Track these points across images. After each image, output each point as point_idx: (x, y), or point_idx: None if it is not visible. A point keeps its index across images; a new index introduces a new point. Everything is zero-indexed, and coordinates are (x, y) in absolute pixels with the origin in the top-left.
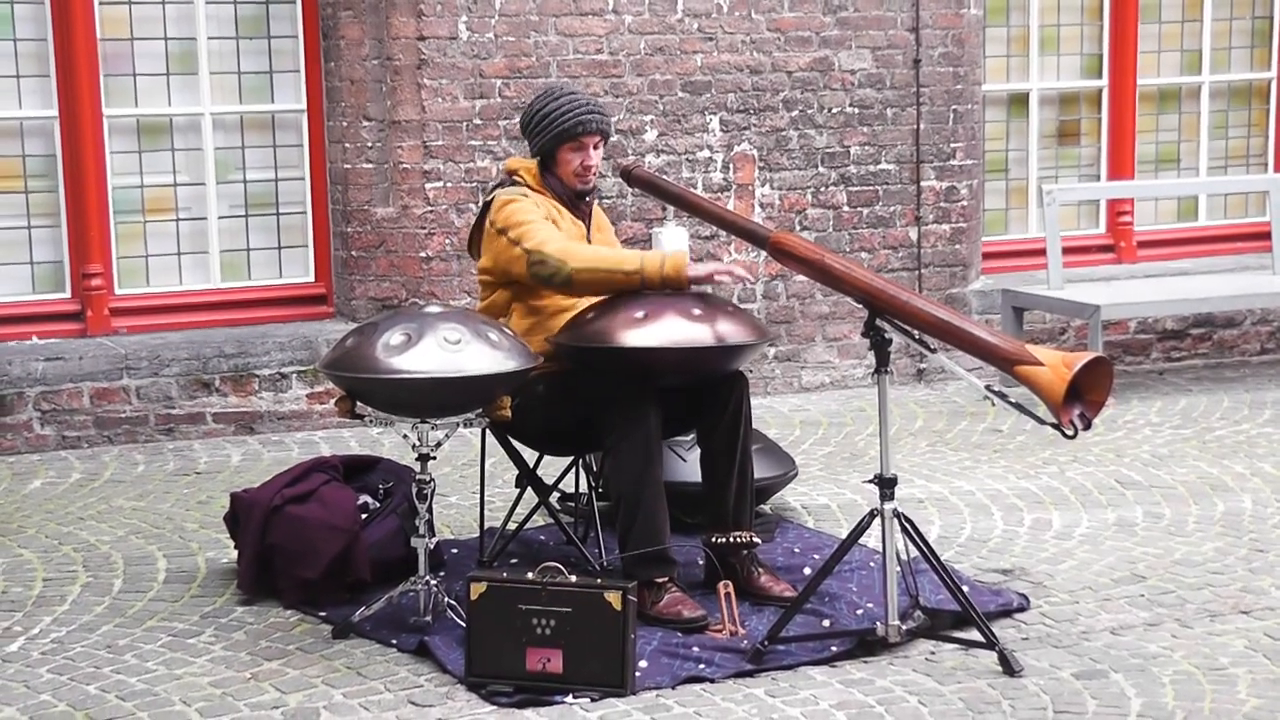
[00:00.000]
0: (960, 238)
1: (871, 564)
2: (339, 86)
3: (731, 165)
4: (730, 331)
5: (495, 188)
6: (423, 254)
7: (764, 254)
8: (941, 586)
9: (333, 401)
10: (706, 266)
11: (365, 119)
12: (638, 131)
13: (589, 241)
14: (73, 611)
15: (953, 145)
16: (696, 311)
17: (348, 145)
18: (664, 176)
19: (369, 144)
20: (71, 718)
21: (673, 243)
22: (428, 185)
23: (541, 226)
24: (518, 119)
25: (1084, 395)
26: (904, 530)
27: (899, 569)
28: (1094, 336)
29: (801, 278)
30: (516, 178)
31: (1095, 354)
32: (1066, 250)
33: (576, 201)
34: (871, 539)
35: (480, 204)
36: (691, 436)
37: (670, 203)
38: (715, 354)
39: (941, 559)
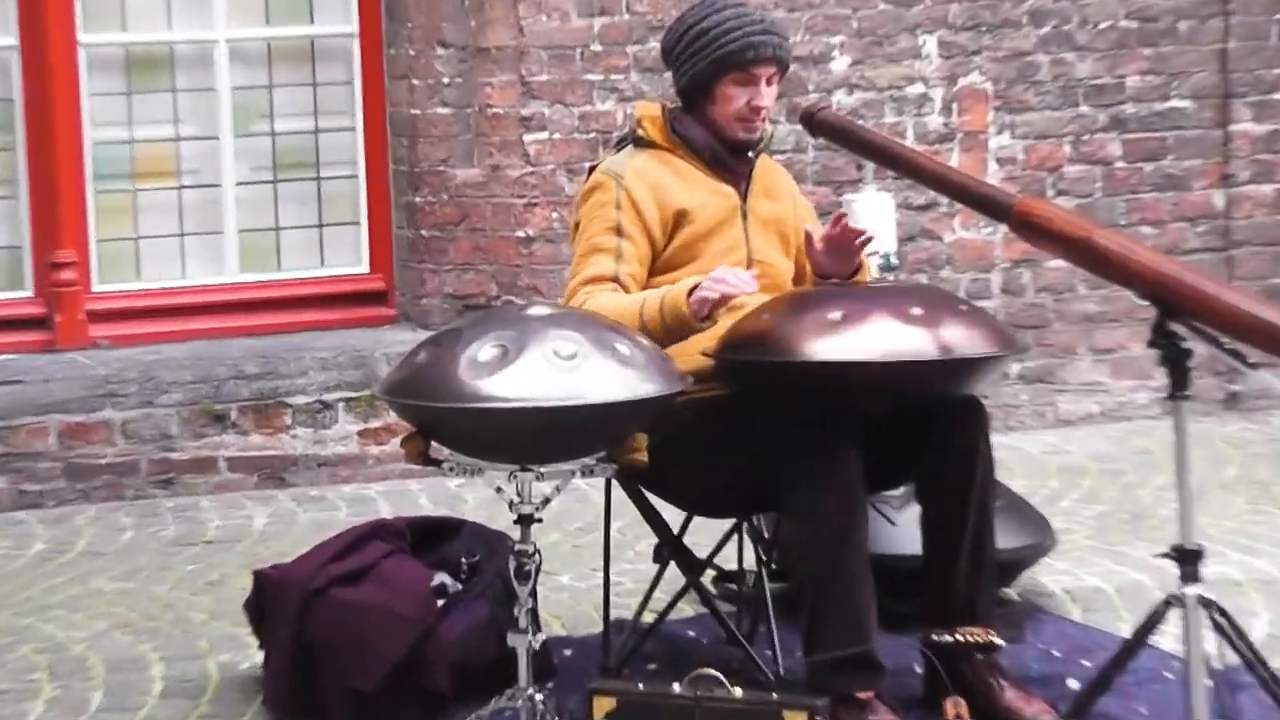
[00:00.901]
0: None
1: (1168, 675)
2: (404, 1)
3: (955, 105)
4: (961, 340)
5: (620, 143)
6: (521, 233)
7: (1002, 230)
8: (1276, 709)
9: (396, 441)
10: (707, 287)
11: (440, 45)
12: (822, 59)
13: (745, 214)
14: None
15: (1276, 71)
16: (915, 311)
17: (416, 82)
18: (859, 121)
19: (445, 80)
20: None
21: (872, 215)
22: (527, 137)
23: (588, 263)
24: (653, 44)
25: None
26: (1216, 626)
27: (1209, 682)
28: None
29: (1056, 264)
30: (640, 131)
31: None
32: None
33: (733, 158)
34: (1168, 638)
35: (587, 171)
36: (905, 490)
37: (868, 158)
38: (941, 371)
39: (1272, 669)
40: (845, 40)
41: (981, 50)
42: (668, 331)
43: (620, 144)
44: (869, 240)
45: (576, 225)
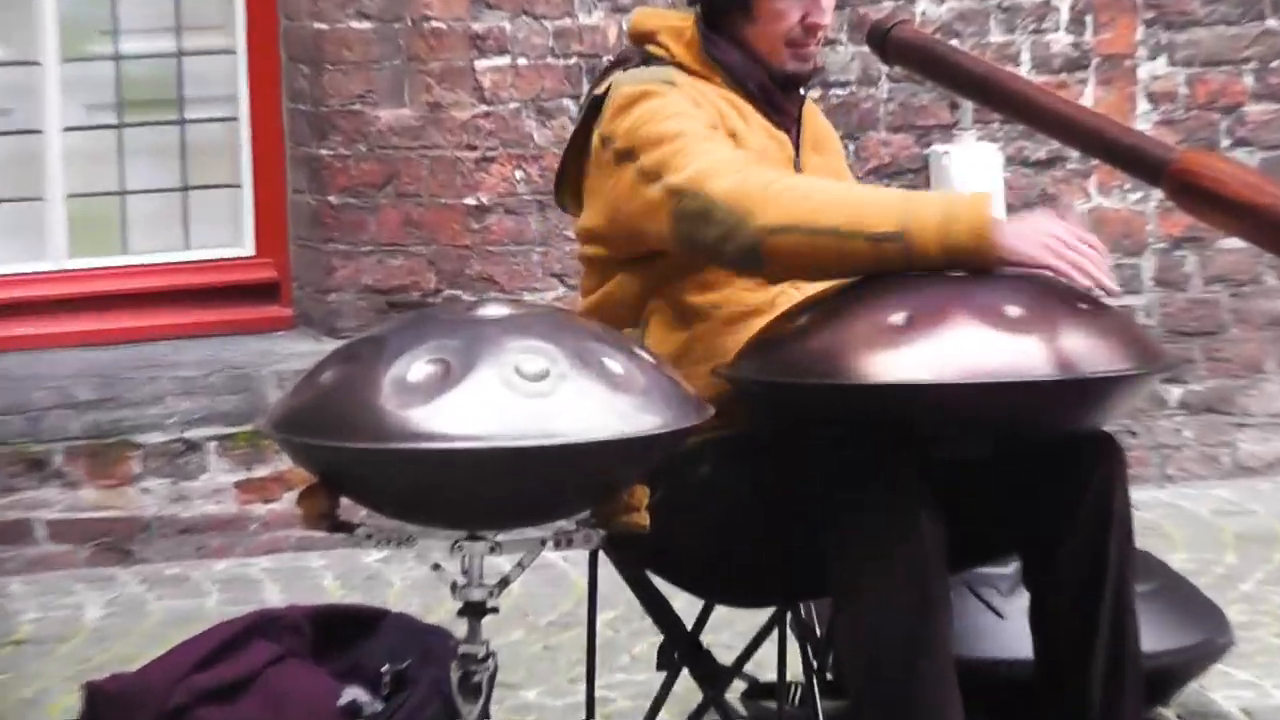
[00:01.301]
0: None
1: None
2: None
3: (1090, 17)
4: (1085, 351)
5: (611, 69)
6: (471, 200)
7: (1156, 196)
8: None
9: (292, 498)
10: (1041, 228)
11: None
12: None
13: (799, 168)
14: None
15: None
16: (1014, 311)
17: None
18: (952, 42)
19: None
20: None
21: (969, 174)
22: (481, 64)
23: (703, 142)
24: None
25: None
26: None
27: None
28: None
29: (1234, 243)
30: (653, 49)
31: None
32: None
33: (782, 94)
34: None
35: (583, 101)
36: (1011, 569)
37: (965, 94)
38: (1055, 397)
39: None
40: None
41: None
42: (951, 257)
43: (613, 69)
44: None
45: (622, 155)
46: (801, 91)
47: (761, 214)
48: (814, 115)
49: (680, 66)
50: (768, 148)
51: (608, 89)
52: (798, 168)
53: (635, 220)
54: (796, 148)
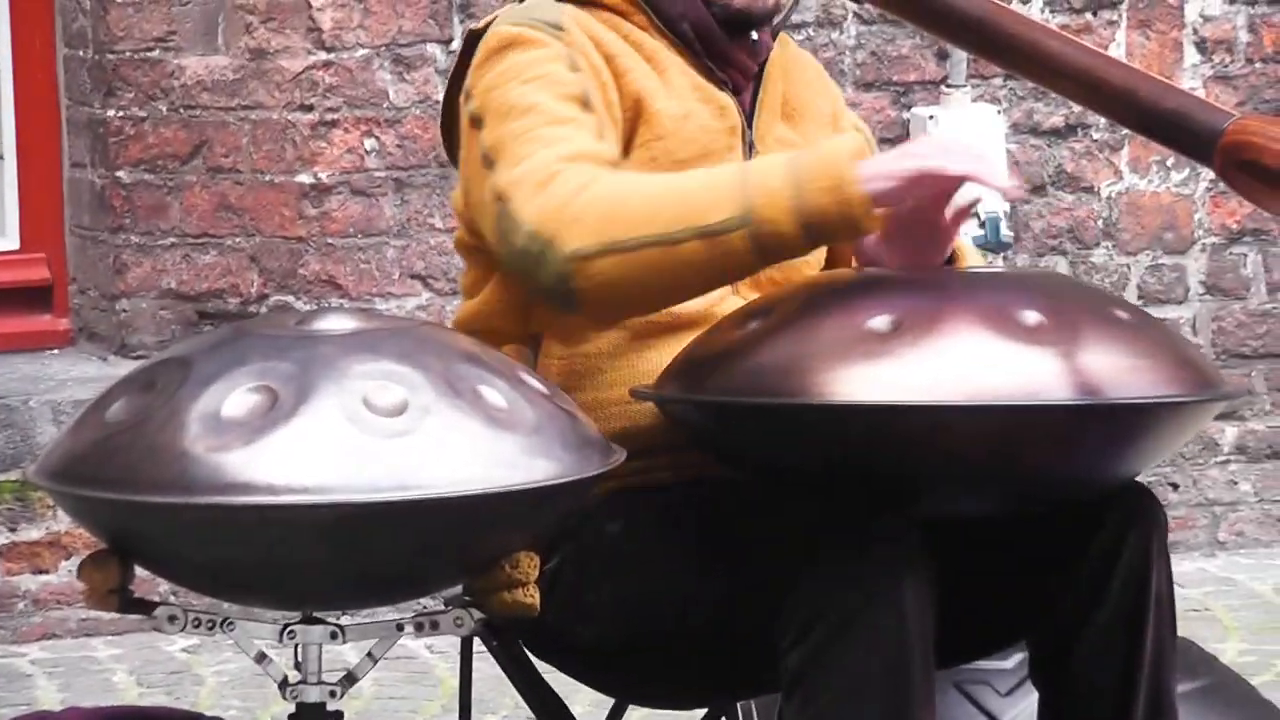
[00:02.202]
0: None
1: None
2: None
3: None
4: (1117, 373)
5: None
6: (306, 176)
7: (1206, 176)
8: None
9: (72, 567)
10: (905, 149)
11: None
12: None
13: (751, 143)
14: None
15: None
16: (1031, 318)
17: None
18: None
19: None
20: None
21: (962, 137)
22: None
23: (553, 126)
24: None
25: None
26: None
27: None
28: None
29: None
30: None
31: None
32: None
33: (730, 40)
34: None
35: (461, 35)
36: (1013, 662)
37: (957, 41)
38: (1078, 429)
39: None
40: None
41: None
42: (806, 228)
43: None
44: (971, 206)
45: (474, 121)
46: (754, 36)
47: (568, 236)
48: (790, 70)
49: (597, 3)
50: (694, 114)
51: (488, 25)
52: (748, 142)
53: (477, 211)
54: (749, 114)
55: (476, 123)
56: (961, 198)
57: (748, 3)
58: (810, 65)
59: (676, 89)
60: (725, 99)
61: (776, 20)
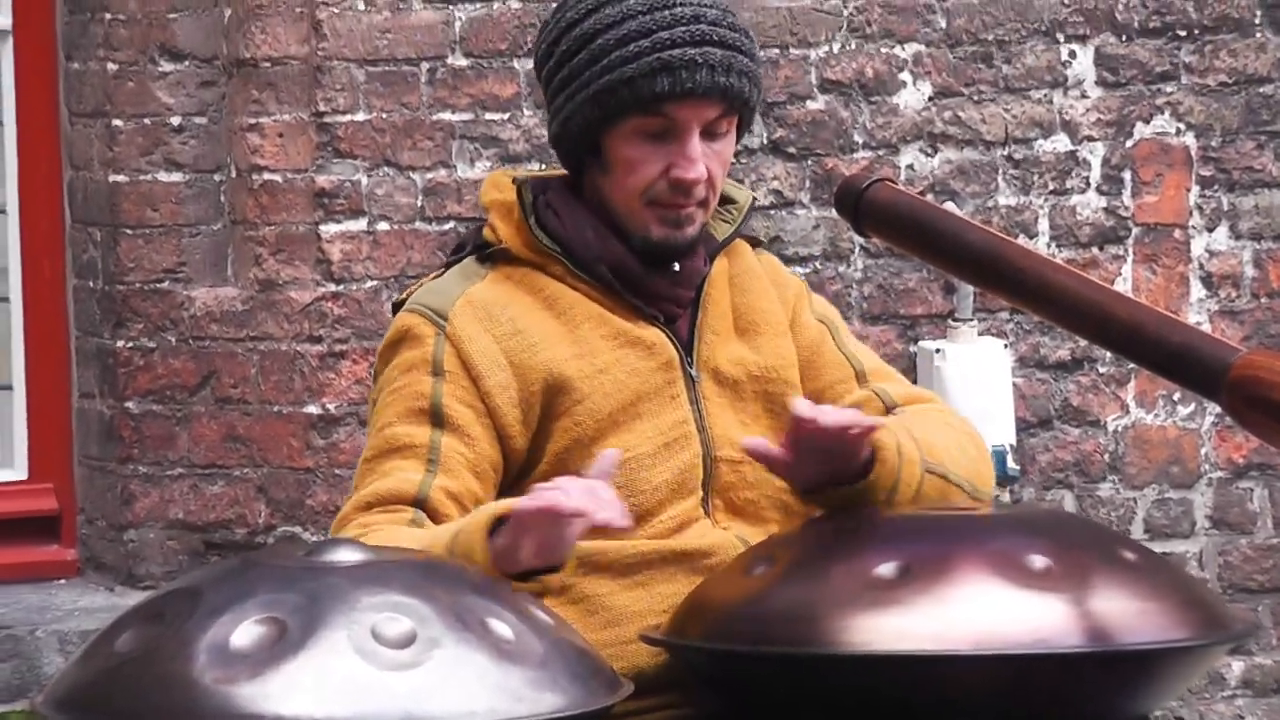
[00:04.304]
0: None
1: None
2: None
3: (1129, 172)
4: (1127, 618)
5: (457, 252)
6: (314, 407)
7: (1213, 411)
8: None
9: None
10: (521, 520)
11: (166, 55)
12: (880, 86)
13: (693, 378)
14: None
15: None
16: (1038, 562)
17: (119, 124)
18: (945, 204)
19: (175, 120)
20: None
21: (970, 378)
22: (329, 229)
23: (380, 468)
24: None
25: None
26: None
27: None
28: None
29: None
30: (486, 231)
31: None
32: None
33: (658, 269)
34: None
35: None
36: None
37: (962, 274)
38: (1090, 674)
39: None
40: (923, 52)
41: (1180, 73)
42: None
43: (457, 253)
44: (866, 431)
45: (373, 404)
46: (676, 267)
47: None
48: (741, 281)
49: (510, 256)
50: (613, 365)
51: (406, 298)
52: (687, 368)
53: None
54: (688, 342)
55: (374, 406)
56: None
57: (665, 234)
58: (765, 272)
59: (590, 345)
60: (654, 335)
61: (719, 238)
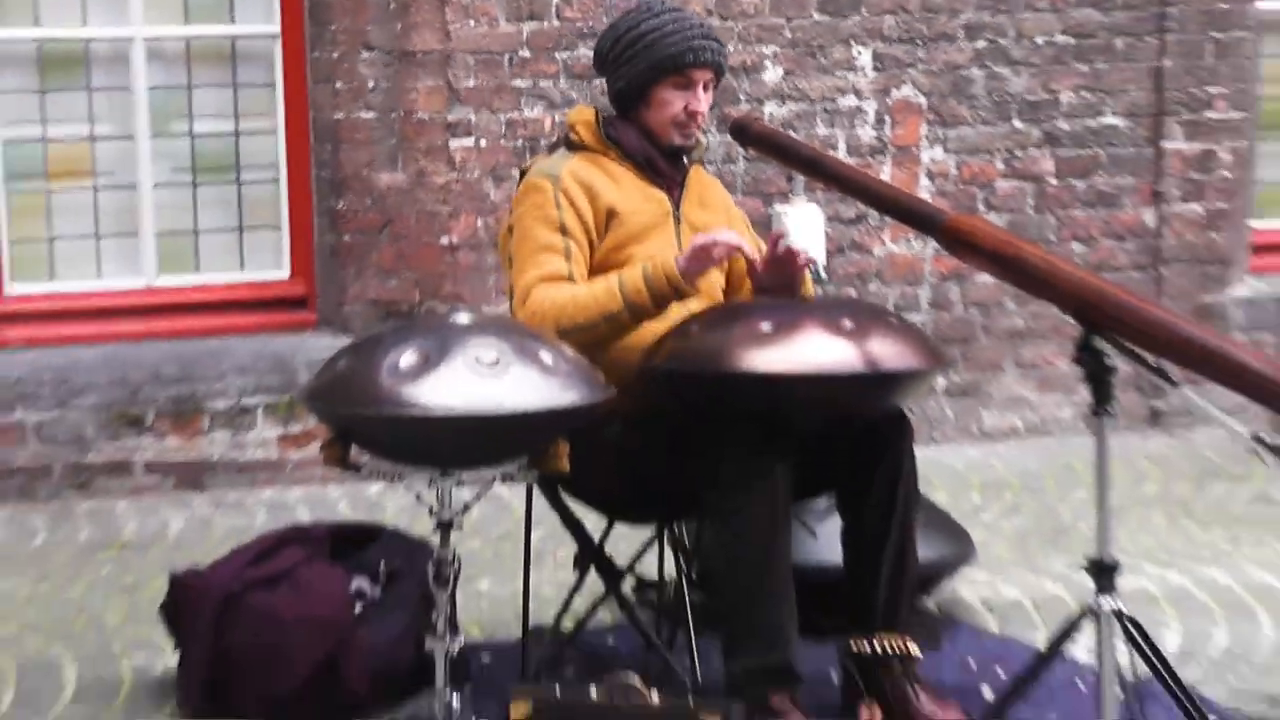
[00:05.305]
0: (1219, 223)
1: (1081, 685)
2: (328, 1)
3: (889, 118)
4: (890, 354)
5: (552, 148)
6: (445, 240)
7: (932, 244)
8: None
9: (316, 446)
10: (694, 250)
11: (365, 48)
12: (754, 69)
13: (678, 220)
14: None
15: (1211, 90)
16: (844, 324)
17: (339, 85)
18: (791, 133)
19: (370, 84)
20: None
21: (801, 227)
22: (453, 143)
23: (537, 262)
24: (582, 51)
25: None
26: (1129, 639)
27: (1120, 693)
28: None
29: (985, 279)
30: (573, 135)
31: None
32: None
33: (669, 162)
34: (1082, 650)
35: (519, 175)
36: (828, 502)
37: (799, 170)
38: (868, 385)
39: (1183, 680)
40: (778, 50)
41: (915, 63)
42: (654, 299)
43: (553, 148)
44: (810, 261)
45: (510, 229)
46: (685, 160)
47: (547, 329)
48: (704, 181)
49: (586, 147)
50: (640, 208)
51: (526, 170)
52: (677, 219)
53: (507, 271)
54: (678, 202)
55: (511, 230)
56: (802, 259)
57: (680, 141)
58: (714, 182)
59: (628, 192)
60: (660, 195)
61: (695, 154)
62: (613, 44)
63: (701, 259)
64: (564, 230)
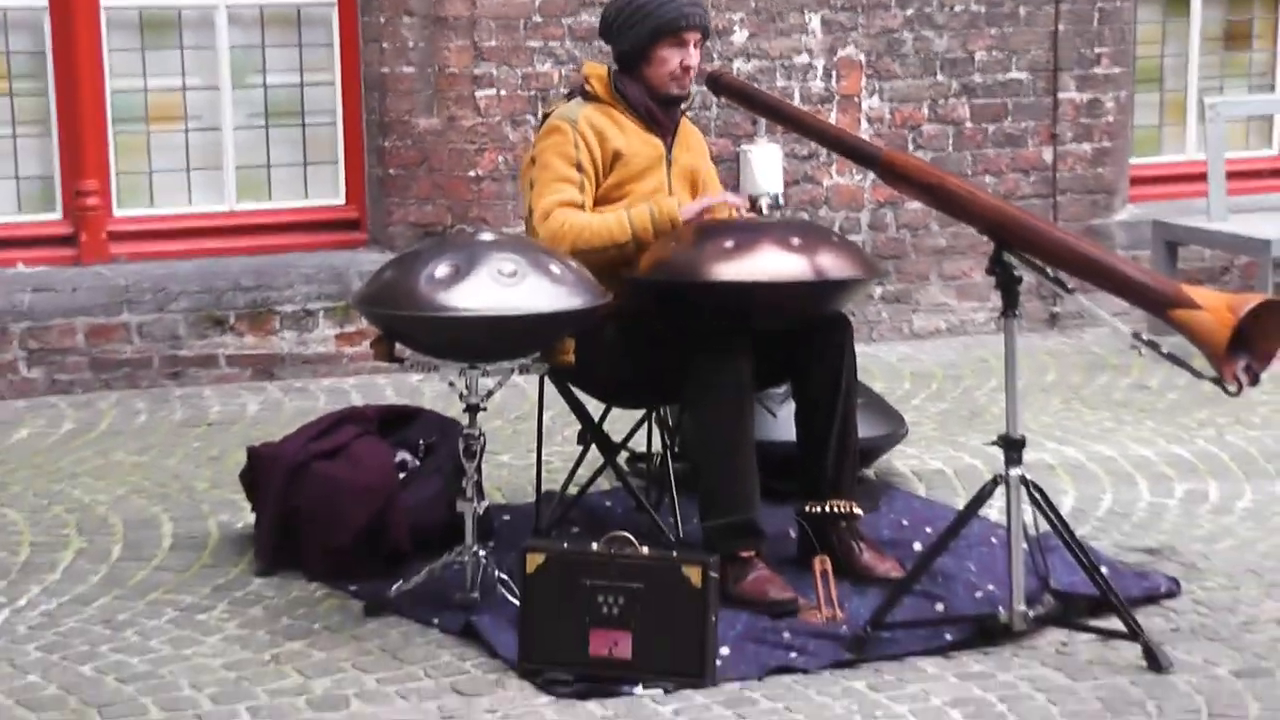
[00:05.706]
0: (1104, 160)
1: (994, 540)
2: None
3: (834, 72)
4: (833, 265)
5: (569, 95)
6: (472, 173)
7: (871, 176)
8: (1076, 567)
9: (367, 343)
10: (698, 203)
11: (406, 14)
12: (725, 32)
13: (670, 162)
14: (65, 581)
15: (1097, 50)
16: (795, 241)
17: (385, 45)
18: (755, 85)
19: (410, 44)
20: (63, 702)
21: (763, 162)
22: (478, 93)
23: (556, 189)
24: (585, 17)
25: (1251, 345)
26: (1033, 500)
27: (1026, 546)
28: (1264, 277)
29: (914, 205)
30: (587, 87)
31: (1265, 297)
32: (1231, 175)
33: (665, 110)
34: (994, 510)
35: (540, 117)
36: (785, 389)
37: (762, 115)
38: (815, 291)
39: (1076, 535)
40: (744, 16)
41: (856, 27)
42: (656, 235)
43: (570, 96)
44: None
45: (533, 160)
46: (681, 109)
47: (564, 246)
48: (689, 131)
49: (598, 98)
50: (640, 151)
51: (548, 113)
52: (669, 160)
53: (526, 196)
54: (669, 146)
55: (533, 161)
56: (761, 188)
57: (676, 93)
58: (697, 132)
59: (630, 138)
60: (656, 141)
61: (685, 105)
62: (617, 14)
63: (702, 213)
64: (579, 167)
